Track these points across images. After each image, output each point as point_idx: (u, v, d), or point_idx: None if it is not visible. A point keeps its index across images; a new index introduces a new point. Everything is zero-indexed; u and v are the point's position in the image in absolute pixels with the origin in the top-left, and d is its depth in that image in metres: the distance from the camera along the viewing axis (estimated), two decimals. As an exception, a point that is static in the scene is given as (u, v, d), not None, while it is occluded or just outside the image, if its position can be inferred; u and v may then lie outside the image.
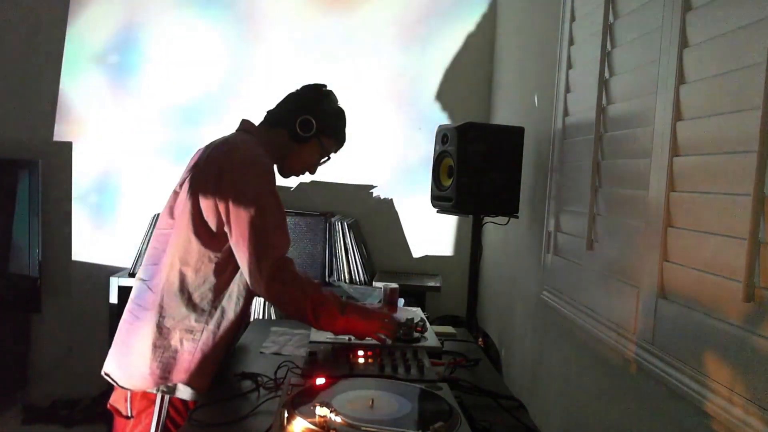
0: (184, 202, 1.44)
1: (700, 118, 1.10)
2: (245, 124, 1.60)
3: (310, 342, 1.50)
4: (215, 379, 1.46)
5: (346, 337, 1.50)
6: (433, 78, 3.13)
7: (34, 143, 3.18)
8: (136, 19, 3.17)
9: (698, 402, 1.01)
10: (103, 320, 2.92)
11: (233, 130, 1.61)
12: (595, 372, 1.54)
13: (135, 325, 1.45)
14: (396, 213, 3.20)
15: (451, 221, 3.17)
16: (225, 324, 1.48)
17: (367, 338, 1.49)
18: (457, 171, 1.99)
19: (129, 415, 1.45)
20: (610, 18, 1.51)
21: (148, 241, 2.80)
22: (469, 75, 3.12)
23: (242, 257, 1.40)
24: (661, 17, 1.22)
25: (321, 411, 0.95)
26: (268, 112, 1.64)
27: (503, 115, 2.80)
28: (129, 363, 1.45)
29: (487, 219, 2.23)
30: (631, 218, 1.34)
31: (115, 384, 1.46)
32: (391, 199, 3.19)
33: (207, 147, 1.53)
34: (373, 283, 2.82)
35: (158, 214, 2.78)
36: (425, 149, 3.12)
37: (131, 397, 1.45)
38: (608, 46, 1.51)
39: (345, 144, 1.70)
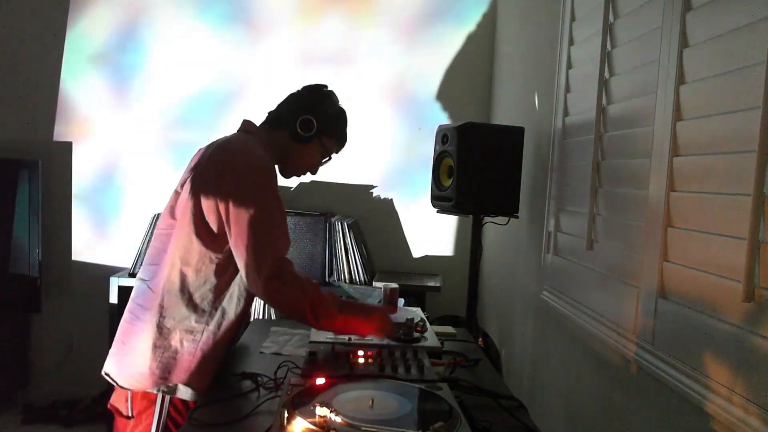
0: (185, 203, 1.44)
1: (700, 118, 1.10)
2: (246, 125, 1.60)
3: (310, 342, 1.49)
4: (215, 379, 1.46)
5: (346, 337, 1.50)
6: (433, 78, 3.13)
7: (34, 143, 3.18)
8: (136, 20, 3.17)
9: (698, 402, 1.01)
10: (103, 320, 2.92)
11: (234, 131, 1.61)
12: (595, 372, 1.54)
13: (135, 325, 1.45)
14: (396, 213, 3.20)
15: (451, 221, 3.17)
16: (225, 324, 1.48)
17: (368, 337, 1.49)
18: (457, 171, 1.99)
19: (129, 415, 1.45)
20: (610, 18, 1.51)
21: (148, 241, 2.81)
22: (469, 75, 3.12)
23: (241, 258, 1.40)
24: (661, 17, 1.22)
25: (321, 411, 0.95)
26: (269, 112, 1.64)
27: (503, 115, 2.80)
28: (129, 363, 1.44)
29: (487, 219, 2.23)
30: (631, 218, 1.34)
31: (115, 384, 1.46)
32: (391, 199, 3.20)
33: (208, 147, 1.53)
34: (373, 283, 2.82)
35: (158, 214, 2.80)
36: (425, 149, 3.12)
37: (132, 397, 1.45)
38: (608, 46, 1.51)
39: (346, 144, 1.70)
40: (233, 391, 1.34)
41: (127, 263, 3.16)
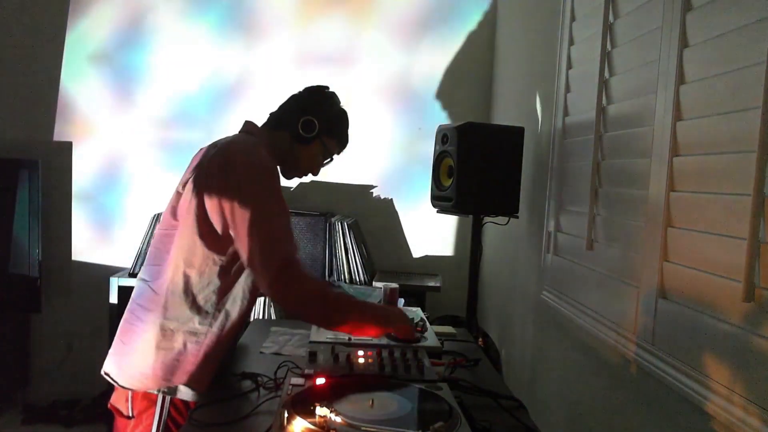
0: (187, 203, 1.43)
1: (700, 118, 1.10)
2: (248, 126, 1.60)
3: (310, 342, 1.49)
4: (215, 379, 1.46)
5: (347, 337, 1.50)
6: (433, 78, 3.13)
7: (34, 143, 3.18)
8: (136, 20, 3.17)
9: (698, 402, 1.01)
10: (103, 320, 2.92)
11: (235, 131, 1.61)
12: (595, 372, 1.54)
13: (137, 325, 1.45)
14: (396, 213, 3.20)
15: (451, 221, 3.17)
16: (229, 326, 1.48)
17: (380, 337, 1.48)
18: (457, 171, 1.99)
19: (130, 415, 1.45)
20: (610, 18, 1.51)
21: (149, 241, 2.81)
22: (469, 75, 3.12)
23: (248, 257, 1.39)
24: (661, 17, 1.22)
25: (321, 411, 0.95)
26: (270, 113, 1.64)
27: (503, 115, 2.80)
28: (131, 363, 1.44)
29: (487, 219, 2.23)
30: (631, 218, 1.34)
31: (115, 384, 1.46)
32: (391, 199, 3.20)
33: (210, 147, 1.53)
34: (373, 283, 2.82)
35: (158, 215, 2.81)
36: (425, 149, 3.12)
37: (132, 397, 1.45)
38: (608, 46, 1.51)
39: (348, 145, 1.70)
40: (233, 391, 1.34)
41: (127, 263, 3.16)
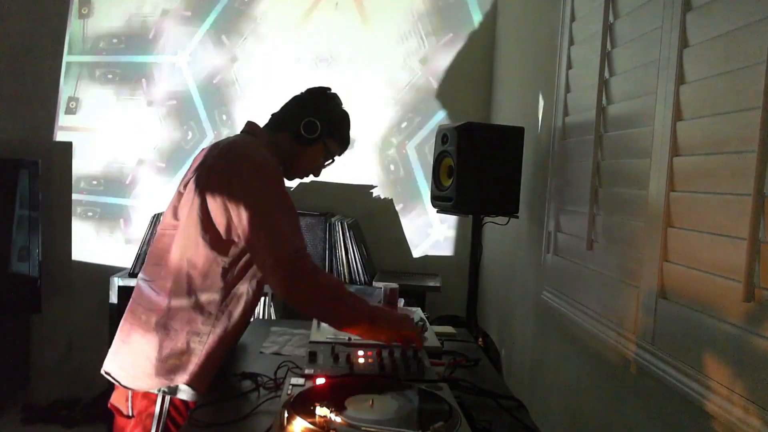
0: (190, 204, 1.43)
1: (700, 118, 1.10)
2: (250, 126, 1.60)
3: (310, 342, 1.49)
4: (215, 379, 1.46)
5: (347, 337, 1.50)
6: (433, 78, 3.13)
7: (34, 143, 3.18)
8: (137, 19, 3.17)
9: (698, 402, 1.01)
10: (103, 320, 2.92)
11: (237, 132, 1.61)
12: (595, 372, 1.54)
13: (139, 326, 1.45)
14: (396, 213, 3.20)
15: (451, 221, 3.17)
16: (231, 326, 1.48)
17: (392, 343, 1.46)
18: (457, 171, 1.99)
19: (130, 414, 1.45)
20: (610, 18, 1.51)
21: (149, 241, 2.81)
22: (469, 75, 3.12)
23: (258, 256, 1.39)
24: (661, 17, 1.22)
25: (321, 411, 0.95)
26: (272, 114, 1.64)
27: (503, 115, 2.80)
28: (132, 363, 1.44)
29: (487, 219, 2.23)
30: (631, 218, 1.34)
31: (116, 383, 1.46)
32: (391, 199, 3.20)
33: (212, 148, 1.52)
34: (373, 283, 2.82)
35: (159, 215, 2.81)
36: (425, 149, 3.12)
37: (132, 397, 1.45)
38: (608, 46, 1.51)
39: (349, 146, 1.70)
40: (233, 391, 1.34)
41: (127, 263, 3.16)
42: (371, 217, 3.17)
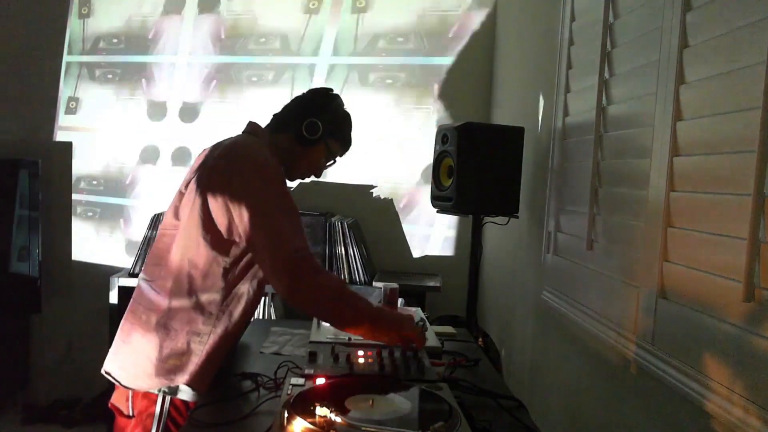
0: (191, 204, 1.43)
1: (700, 118, 1.10)
2: (251, 126, 1.60)
3: (310, 342, 1.49)
4: (215, 379, 1.46)
5: (347, 337, 1.50)
6: (433, 78, 3.13)
7: (34, 143, 3.18)
8: (137, 19, 3.17)
9: (698, 402, 1.01)
10: (103, 320, 2.92)
11: (239, 132, 1.61)
12: (595, 372, 1.54)
13: (140, 326, 1.45)
14: (396, 213, 3.20)
15: (451, 221, 3.17)
16: (232, 327, 1.48)
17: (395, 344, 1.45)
18: (457, 171, 1.99)
19: (130, 414, 1.45)
20: (610, 18, 1.51)
21: (149, 241, 2.82)
22: (469, 75, 3.12)
23: (261, 259, 1.38)
24: (661, 17, 1.22)
25: (321, 411, 0.95)
26: (274, 115, 1.64)
27: (503, 115, 2.80)
28: (133, 363, 1.44)
29: (487, 219, 2.23)
30: (631, 218, 1.34)
31: (116, 383, 1.46)
32: (391, 199, 3.20)
33: (214, 148, 1.52)
34: (373, 283, 2.82)
35: (159, 215, 2.81)
36: (425, 149, 3.12)
37: (133, 397, 1.45)
38: (608, 46, 1.51)
39: (351, 147, 1.70)
40: (233, 391, 1.34)
41: (127, 263, 3.16)
42: (371, 217, 3.17)
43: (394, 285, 1.86)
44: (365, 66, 3.12)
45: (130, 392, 1.45)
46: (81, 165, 3.23)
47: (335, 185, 3.16)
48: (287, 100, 1.66)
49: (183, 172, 3.12)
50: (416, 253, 3.21)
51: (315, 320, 1.64)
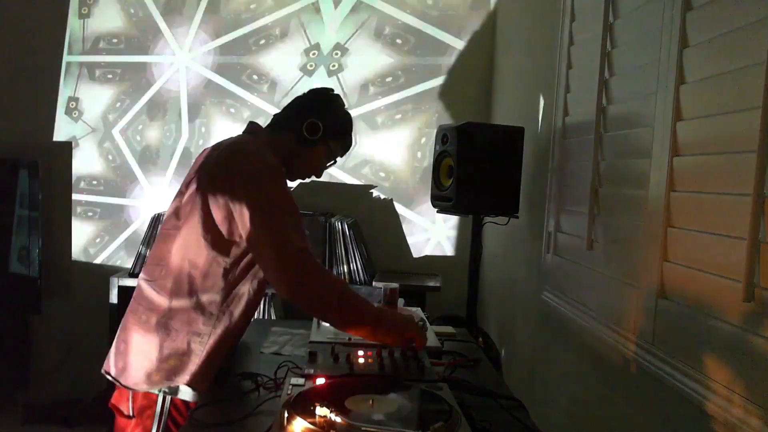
0: (191, 204, 1.43)
1: (700, 118, 1.10)
2: (252, 126, 1.60)
3: (310, 342, 1.49)
4: (215, 379, 1.46)
5: (347, 337, 1.50)
6: (433, 78, 3.13)
7: (34, 143, 3.18)
8: (137, 19, 3.17)
9: (698, 402, 1.01)
10: (103, 320, 2.92)
11: (238, 132, 1.61)
12: (595, 372, 1.54)
13: (140, 326, 1.45)
14: (396, 213, 3.20)
15: (451, 221, 3.17)
16: (232, 327, 1.48)
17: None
18: (457, 171, 1.99)
19: (131, 414, 1.45)
20: (610, 18, 1.51)
21: (149, 241, 2.82)
22: (469, 75, 3.12)
23: (262, 259, 1.38)
24: (661, 17, 1.22)
25: (321, 411, 0.95)
26: (275, 115, 1.64)
27: (503, 115, 2.80)
28: (133, 363, 1.44)
29: (487, 219, 2.23)
30: (631, 218, 1.34)
31: (117, 383, 1.46)
32: (391, 199, 3.20)
33: (214, 148, 1.52)
34: (373, 283, 2.82)
35: (159, 214, 2.81)
36: (425, 149, 3.12)
37: (133, 397, 1.45)
38: (608, 46, 1.51)
39: (351, 148, 1.70)
40: (233, 391, 1.34)
41: (127, 263, 3.16)
42: (371, 217, 3.17)
43: (394, 285, 1.85)
44: (365, 66, 3.12)
45: (131, 392, 1.45)
46: (81, 165, 3.23)
47: (335, 185, 3.16)
48: (287, 100, 1.66)
49: (183, 172, 3.13)
50: (416, 253, 3.21)
51: (315, 320, 1.64)
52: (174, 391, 1.43)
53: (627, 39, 1.43)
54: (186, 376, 1.42)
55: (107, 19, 3.17)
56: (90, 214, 3.24)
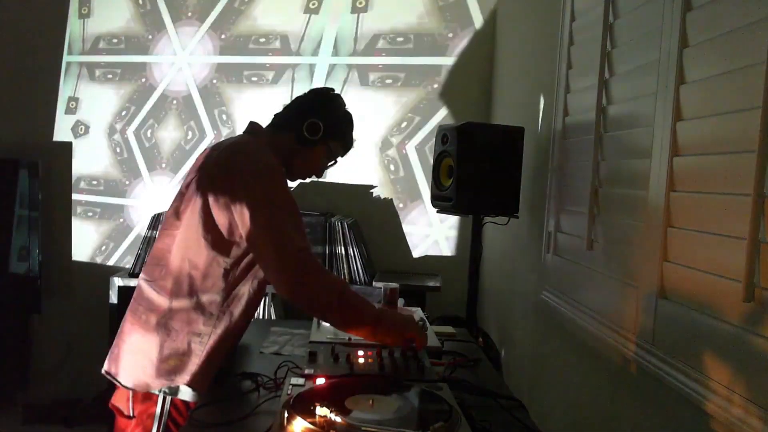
0: (191, 204, 1.43)
1: (700, 118, 1.10)
2: (252, 126, 1.60)
3: (310, 342, 1.49)
4: (215, 379, 1.46)
5: (347, 337, 1.50)
6: (433, 78, 3.13)
7: (34, 143, 3.18)
8: (137, 19, 3.17)
9: (698, 402, 1.01)
10: (103, 320, 2.92)
11: (238, 132, 1.61)
12: (595, 372, 1.54)
13: (140, 326, 1.45)
14: (396, 213, 3.20)
15: (451, 221, 3.18)
16: (233, 327, 1.48)
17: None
18: (457, 171, 1.99)
19: (131, 414, 1.45)
20: (610, 18, 1.51)
21: (149, 241, 2.82)
22: (469, 75, 3.12)
23: (262, 259, 1.38)
24: (661, 17, 1.22)
25: (321, 411, 0.95)
26: (275, 115, 1.64)
27: (503, 115, 2.80)
28: (134, 364, 1.44)
29: (487, 219, 2.23)
30: (631, 218, 1.34)
31: (117, 383, 1.46)
32: (391, 199, 3.20)
33: (214, 148, 1.52)
34: (373, 283, 2.82)
35: (159, 214, 2.81)
36: (425, 149, 3.12)
37: (133, 397, 1.45)
38: (608, 46, 1.51)
39: (352, 148, 1.70)
40: (233, 391, 1.34)
41: (127, 263, 3.16)
42: (371, 217, 3.17)
43: (394, 285, 1.86)
44: (365, 66, 3.12)
45: (131, 392, 1.45)
46: (81, 165, 3.23)
47: (335, 185, 3.16)
48: (287, 100, 1.66)
49: (183, 172, 3.13)
50: (416, 253, 3.21)
51: (315, 320, 1.64)
52: (174, 391, 1.43)
53: (627, 39, 1.43)
54: (186, 377, 1.42)
55: (107, 19, 3.17)
56: (90, 214, 3.24)
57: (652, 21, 1.27)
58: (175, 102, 3.19)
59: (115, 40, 3.18)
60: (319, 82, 3.12)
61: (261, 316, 2.79)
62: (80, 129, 3.22)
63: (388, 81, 3.13)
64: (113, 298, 2.85)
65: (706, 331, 1.02)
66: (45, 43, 3.16)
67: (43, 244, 3.02)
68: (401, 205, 3.19)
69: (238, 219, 1.38)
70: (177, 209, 1.47)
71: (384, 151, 3.16)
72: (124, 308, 1.54)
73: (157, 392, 1.42)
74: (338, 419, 0.95)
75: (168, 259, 1.45)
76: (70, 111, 3.21)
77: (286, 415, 0.97)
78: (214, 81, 3.17)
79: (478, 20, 3.09)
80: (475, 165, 2.00)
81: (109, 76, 3.20)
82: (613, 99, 1.49)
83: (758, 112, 0.89)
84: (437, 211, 2.21)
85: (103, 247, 3.25)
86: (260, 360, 1.57)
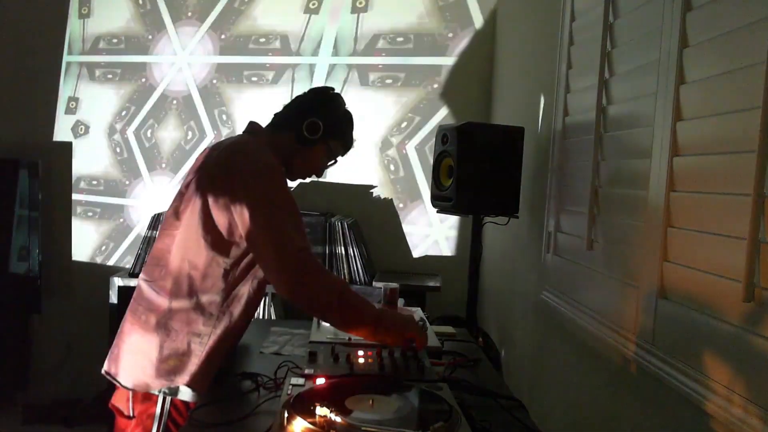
0: (191, 204, 1.43)
1: (700, 118, 1.10)
2: (252, 126, 1.60)
3: (310, 342, 1.49)
4: (215, 379, 1.46)
5: (347, 337, 1.50)
6: (433, 78, 3.13)
7: (34, 143, 3.18)
8: (137, 19, 3.17)
9: (698, 402, 1.01)
10: (103, 320, 2.92)
11: (238, 132, 1.61)
12: (595, 372, 1.54)
13: (141, 326, 1.45)
14: (396, 213, 3.20)
15: (451, 221, 3.18)
16: (232, 327, 1.48)
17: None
18: (457, 171, 1.99)
19: (131, 415, 1.45)
20: (610, 18, 1.51)
21: (149, 241, 2.82)
22: (469, 75, 3.12)
23: (262, 259, 1.38)
24: (661, 17, 1.22)
25: (321, 411, 0.95)
26: (275, 114, 1.63)
27: (503, 115, 2.80)
28: (133, 364, 1.44)
29: (487, 219, 2.23)
30: (631, 218, 1.34)
31: (117, 384, 1.46)
32: (391, 199, 3.20)
33: (214, 148, 1.52)
34: (373, 283, 2.82)
35: (159, 214, 2.81)
36: (425, 149, 3.12)
37: (133, 397, 1.45)
38: (608, 46, 1.51)
39: (352, 147, 1.70)
40: (233, 391, 1.34)
41: (127, 263, 3.16)
42: (371, 217, 3.17)
43: (394, 285, 1.86)
44: (365, 66, 3.12)
45: (131, 393, 1.45)
46: (81, 165, 3.23)
47: (335, 185, 3.16)
48: (287, 100, 1.66)
49: (183, 172, 3.13)
50: (416, 253, 3.21)
51: (315, 320, 1.64)
52: (174, 391, 1.43)
53: (627, 39, 1.43)
54: (186, 377, 1.42)
55: (107, 19, 3.17)
56: (90, 214, 3.24)
57: (652, 21, 1.27)
58: (175, 102, 3.19)
59: (115, 40, 3.19)
60: (319, 82, 3.12)
61: (261, 316, 2.79)
62: (80, 129, 3.23)
63: (388, 81, 3.13)
64: (113, 298, 2.85)
65: (706, 331, 1.02)
66: (45, 43, 3.16)
67: (43, 244, 3.02)
68: (401, 205, 3.19)
69: (237, 219, 1.38)
70: (177, 209, 1.47)
71: (384, 151, 3.16)
72: (124, 308, 1.54)
73: (156, 392, 1.42)
74: (338, 419, 0.95)
75: (168, 259, 1.45)
76: (70, 111, 3.21)
77: (286, 415, 0.97)
78: (214, 81, 3.17)
79: (478, 20, 3.09)
80: (475, 165, 2.00)
81: (109, 76, 3.20)
82: (613, 99, 1.49)
83: (758, 112, 0.89)
84: (437, 211, 2.21)
85: (103, 247, 3.25)
86: (260, 360, 1.57)
